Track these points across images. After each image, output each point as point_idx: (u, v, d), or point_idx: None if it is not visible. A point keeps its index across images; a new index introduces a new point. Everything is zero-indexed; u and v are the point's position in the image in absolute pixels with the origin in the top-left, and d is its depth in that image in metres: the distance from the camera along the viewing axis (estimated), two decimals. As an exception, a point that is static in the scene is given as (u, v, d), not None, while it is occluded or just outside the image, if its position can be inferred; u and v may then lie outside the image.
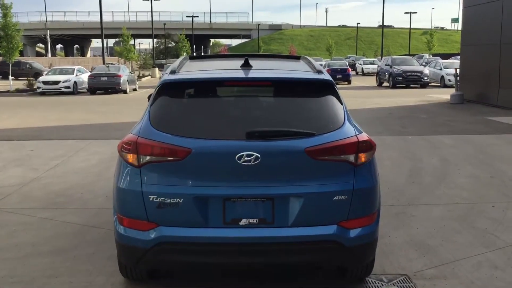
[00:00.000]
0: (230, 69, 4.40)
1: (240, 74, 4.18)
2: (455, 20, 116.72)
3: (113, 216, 3.97)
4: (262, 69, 4.46)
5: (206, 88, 4.15)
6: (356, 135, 3.85)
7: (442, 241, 5.33)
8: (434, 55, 63.85)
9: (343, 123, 3.92)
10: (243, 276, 4.51)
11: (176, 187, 3.68)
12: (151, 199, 3.67)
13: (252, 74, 4.17)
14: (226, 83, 4.15)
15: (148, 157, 3.72)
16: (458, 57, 28.89)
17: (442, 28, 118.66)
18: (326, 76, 4.24)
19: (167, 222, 3.69)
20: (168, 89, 4.05)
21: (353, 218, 3.75)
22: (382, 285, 4.36)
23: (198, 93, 4.13)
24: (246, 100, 4.27)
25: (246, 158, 3.63)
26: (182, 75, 4.21)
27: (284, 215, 3.69)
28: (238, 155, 3.62)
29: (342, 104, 4.07)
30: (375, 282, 4.41)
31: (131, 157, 3.75)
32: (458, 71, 21.43)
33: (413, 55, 57.83)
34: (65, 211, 6.42)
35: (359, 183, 3.76)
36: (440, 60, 35.45)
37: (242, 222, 3.68)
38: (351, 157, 3.79)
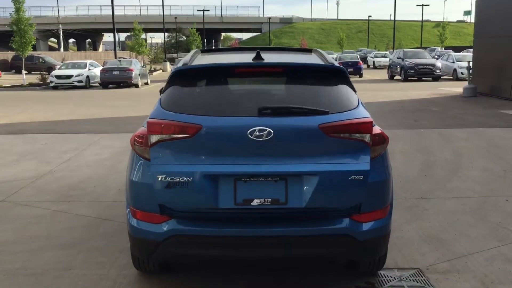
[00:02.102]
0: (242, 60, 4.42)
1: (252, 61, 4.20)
2: (467, 13, 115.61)
3: (126, 209, 3.99)
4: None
5: (218, 74, 4.17)
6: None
7: (455, 235, 5.30)
8: (446, 48, 63.37)
9: (357, 105, 3.92)
10: (256, 271, 4.52)
11: (185, 166, 3.63)
12: (159, 179, 3.63)
13: (264, 61, 4.17)
14: (238, 69, 4.15)
15: (158, 136, 3.69)
16: (471, 50, 28.68)
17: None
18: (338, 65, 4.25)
19: (177, 204, 3.65)
20: (180, 77, 4.08)
21: (366, 212, 3.74)
22: (395, 279, 4.35)
23: (210, 79, 4.14)
24: (258, 84, 4.25)
25: (258, 134, 3.59)
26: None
27: (298, 195, 3.61)
28: (250, 130, 3.59)
29: (355, 92, 4.08)
30: (387, 275, 4.40)
31: (144, 151, 3.77)
32: (471, 64, 21.26)
33: (425, 48, 57.41)
34: (78, 204, 6.47)
35: (372, 177, 3.74)
36: (453, 53, 35.15)
37: (254, 203, 3.60)
38: (367, 137, 3.74)
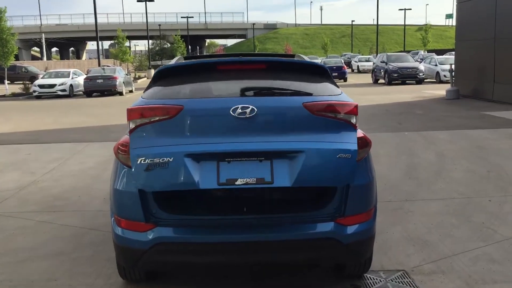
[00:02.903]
0: None
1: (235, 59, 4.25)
2: (449, 16, 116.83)
3: (110, 218, 3.97)
4: None
5: (202, 71, 4.22)
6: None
7: (440, 236, 5.35)
8: (429, 51, 63.96)
9: (341, 93, 3.98)
10: (245, 274, 4.52)
11: (166, 147, 3.57)
12: (139, 162, 3.55)
13: (247, 58, 4.23)
14: (221, 66, 4.20)
15: (138, 121, 3.67)
16: (453, 52, 28.96)
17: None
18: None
19: (157, 186, 3.56)
20: (163, 75, 4.16)
21: (350, 215, 3.76)
22: (381, 281, 4.38)
23: (193, 75, 4.20)
24: (241, 76, 4.21)
25: (240, 111, 3.58)
26: None
27: (284, 174, 3.54)
28: (233, 108, 3.59)
29: (337, 87, 4.13)
30: (373, 278, 4.42)
31: (127, 159, 3.76)
32: (453, 66, 21.48)
33: (408, 51, 57.95)
34: (63, 214, 6.42)
35: (355, 180, 3.77)
36: (435, 56, 35.57)
37: (238, 182, 3.51)
38: (353, 119, 3.77)
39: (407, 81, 31.04)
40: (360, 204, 3.83)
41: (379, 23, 62.91)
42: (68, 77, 30.27)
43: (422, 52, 60.30)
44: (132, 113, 3.73)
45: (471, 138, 11.01)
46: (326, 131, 3.71)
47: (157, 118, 3.66)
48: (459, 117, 14.68)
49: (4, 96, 30.29)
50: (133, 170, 3.60)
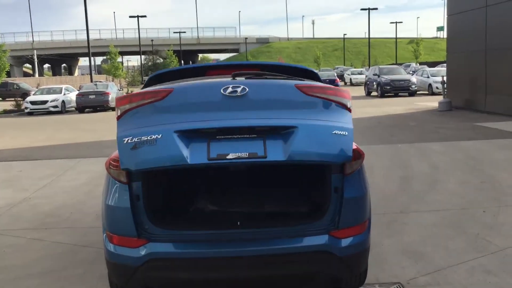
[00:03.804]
0: None
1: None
2: (440, 29, 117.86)
3: (102, 234, 3.92)
4: None
5: (191, 73, 4.35)
6: None
7: (435, 248, 5.32)
8: (421, 63, 64.42)
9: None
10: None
11: (154, 126, 3.42)
12: (125, 142, 3.37)
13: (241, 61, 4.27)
14: (214, 71, 4.24)
15: (127, 105, 3.57)
16: (445, 65, 29.14)
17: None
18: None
19: (144, 164, 3.36)
20: (156, 79, 4.33)
21: (344, 228, 3.73)
22: (376, 294, 4.34)
23: (184, 77, 4.32)
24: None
25: (231, 89, 3.53)
26: None
27: (278, 148, 3.38)
28: (224, 87, 3.54)
29: None
30: (369, 291, 4.39)
31: (119, 174, 3.72)
32: (445, 78, 21.61)
33: (400, 64, 58.32)
34: (55, 231, 6.35)
35: (349, 192, 3.74)
36: (427, 68, 35.78)
37: (230, 156, 3.31)
38: (347, 103, 3.69)
39: (399, 93, 31.20)
40: (354, 217, 3.80)
41: (371, 36, 63.37)
42: (60, 93, 30.17)
43: (414, 64, 60.74)
44: (120, 100, 3.64)
45: (465, 149, 11.03)
46: (320, 111, 3.61)
47: (146, 101, 3.56)
48: (452, 128, 14.73)
49: (-4, 113, 30.17)
50: (119, 152, 3.42)
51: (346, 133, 3.50)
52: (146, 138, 3.36)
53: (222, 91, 3.54)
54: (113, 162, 3.77)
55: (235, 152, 3.34)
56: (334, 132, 3.48)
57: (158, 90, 3.62)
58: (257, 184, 4.78)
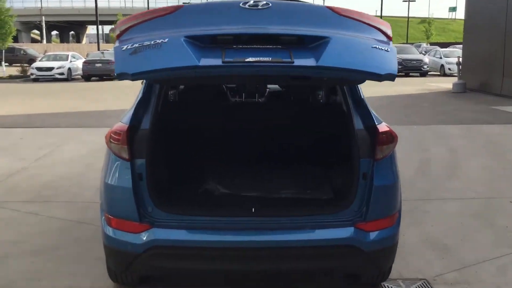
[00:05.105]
0: None
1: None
2: (452, 9, 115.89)
3: (100, 217, 3.51)
4: None
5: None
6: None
7: (461, 241, 4.90)
8: (432, 44, 63.40)
9: None
10: (249, 280, 4.06)
11: (160, 33, 2.94)
12: (123, 49, 2.92)
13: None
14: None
15: (131, 22, 3.10)
16: (457, 46, 28.50)
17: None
18: None
19: (145, 66, 2.88)
20: None
21: (372, 220, 3.31)
22: (400, 292, 3.94)
23: None
24: None
25: (252, 3, 3.04)
26: None
27: (307, 56, 2.90)
28: (243, 2, 3.05)
29: None
30: (391, 287, 3.98)
31: (121, 149, 3.30)
32: (460, 59, 20.99)
33: (411, 43, 57.32)
34: (52, 205, 5.95)
35: (379, 180, 3.31)
36: (440, 49, 34.98)
37: (249, 59, 2.81)
38: (388, 31, 3.21)
39: (410, 73, 30.51)
40: (384, 208, 3.38)
41: (383, 14, 62.27)
42: (67, 60, 29.63)
43: (424, 44, 59.71)
44: (123, 20, 3.15)
45: (484, 133, 10.55)
46: (352, 29, 3.12)
47: (155, 15, 3.10)
48: (468, 111, 14.20)
49: (1, 78, 29.71)
50: (115, 59, 2.96)
51: (389, 50, 3.02)
52: (149, 43, 2.86)
53: (241, 4, 3.04)
54: (114, 135, 3.34)
55: (255, 57, 2.82)
56: (374, 46, 3.00)
57: (166, 7, 3.12)
58: (275, 163, 4.34)
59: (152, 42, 2.86)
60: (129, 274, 3.61)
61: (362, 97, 3.78)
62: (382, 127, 3.43)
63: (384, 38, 3.16)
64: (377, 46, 3.01)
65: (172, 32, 2.95)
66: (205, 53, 2.86)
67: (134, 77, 2.88)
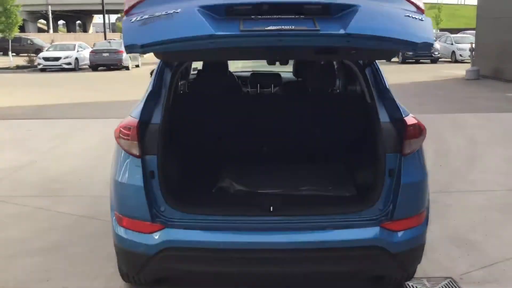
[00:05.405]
0: None
1: None
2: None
3: (111, 217, 3.34)
4: None
5: None
6: None
7: (486, 236, 4.70)
8: (441, 29, 62.68)
9: None
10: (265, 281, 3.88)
11: (172, 7, 2.74)
12: (132, 20, 2.74)
13: None
14: None
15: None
16: (468, 31, 28.02)
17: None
18: None
19: (156, 35, 2.67)
20: None
21: (398, 219, 3.11)
22: (425, 291, 3.75)
23: None
24: None
25: None
26: None
27: (334, 24, 2.71)
28: None
29: None
30: (415, 286, 3.79)
31: (131, 146, 3.12)
32: (473, 45, 20.62)
33: (421, 30, 56.69)
34: (61, 199, 5.80)
35: (406, 177, 3.11)
36: (451, 35, 34.50)
37: (270, 27, 2.63)
38: (421, 4, 3.03)
39: (421, 60, 30.09)
40: (411, 206, 3.20)
41: (391, 0, 61.57)
42: (74, 50, 29.49)
43: (434, 30, 59.11)
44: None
45: (503, 122, 10.29)
46: (387, 2, 2.93)
47: None
48: (483, 98, 13.92)
49: (8, 68, 29.62)
50: (123, 31, 2.78)
51: (423, 19, 2.82)
52: (160, 14, 2.68)
53: None
54: (123, 130, 3.16)
55: (278, 26, 2.62)
56: (407, 15, 2.81)
57: None
58: (293, 159, 4.14)
59: (164, 13, 2.68)
60: (142, 276, 3.44)
61: (387, 87, 3.56)
62: (410, 119, 3.23)
63: (416, 10, 2.95)
64: (411, 15, 2.82)
65: (184, 3, 2.76)
66: (221, 23, 2.67)
67: (144, 49, 2.71)
